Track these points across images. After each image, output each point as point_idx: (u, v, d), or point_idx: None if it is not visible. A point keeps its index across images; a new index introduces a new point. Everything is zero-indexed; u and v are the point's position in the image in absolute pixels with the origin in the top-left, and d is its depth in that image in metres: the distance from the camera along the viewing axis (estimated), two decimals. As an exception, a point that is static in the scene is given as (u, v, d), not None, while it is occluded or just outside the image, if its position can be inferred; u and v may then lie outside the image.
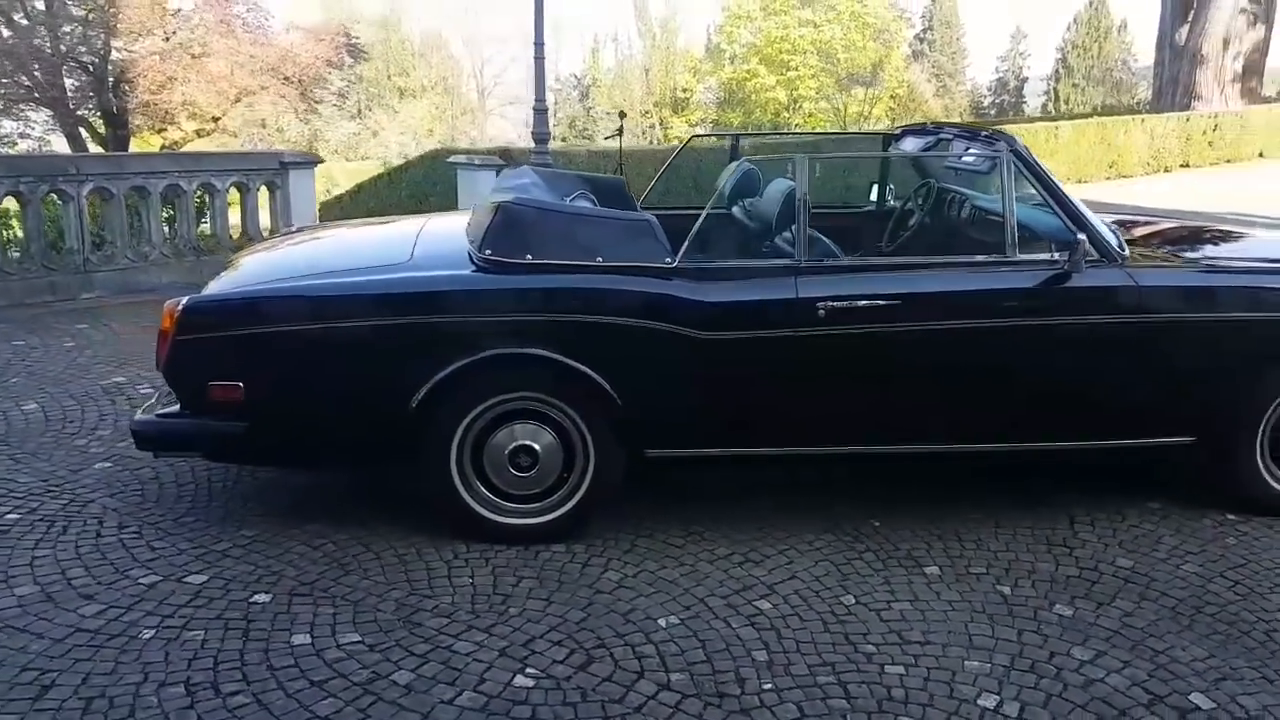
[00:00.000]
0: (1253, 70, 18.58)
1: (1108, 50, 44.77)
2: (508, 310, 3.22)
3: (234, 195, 7.89)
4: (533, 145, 9.83)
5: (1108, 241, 3.41)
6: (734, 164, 4.29)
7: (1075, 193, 3.67)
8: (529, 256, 3.25)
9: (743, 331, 3.25)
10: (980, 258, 3.41)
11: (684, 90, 38.24)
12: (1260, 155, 17.14)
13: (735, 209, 4.18)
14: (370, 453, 3.35)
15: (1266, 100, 19.94)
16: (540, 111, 9.61)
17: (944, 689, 2.62)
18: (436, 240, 3.70)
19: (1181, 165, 16.66)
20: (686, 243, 3.30)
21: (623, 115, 11.09)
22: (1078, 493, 3.82)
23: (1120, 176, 16.46)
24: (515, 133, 48.98)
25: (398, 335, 3.18)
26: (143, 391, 4.92)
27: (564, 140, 43.31)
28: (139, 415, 3.37)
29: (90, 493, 3.72)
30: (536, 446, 3.30)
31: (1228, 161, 15.84)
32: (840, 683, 2.63)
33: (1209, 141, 16.00)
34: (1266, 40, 18.68)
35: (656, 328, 3.22)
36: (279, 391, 3.24)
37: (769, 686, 2.60)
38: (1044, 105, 47.70)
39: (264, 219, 8.06)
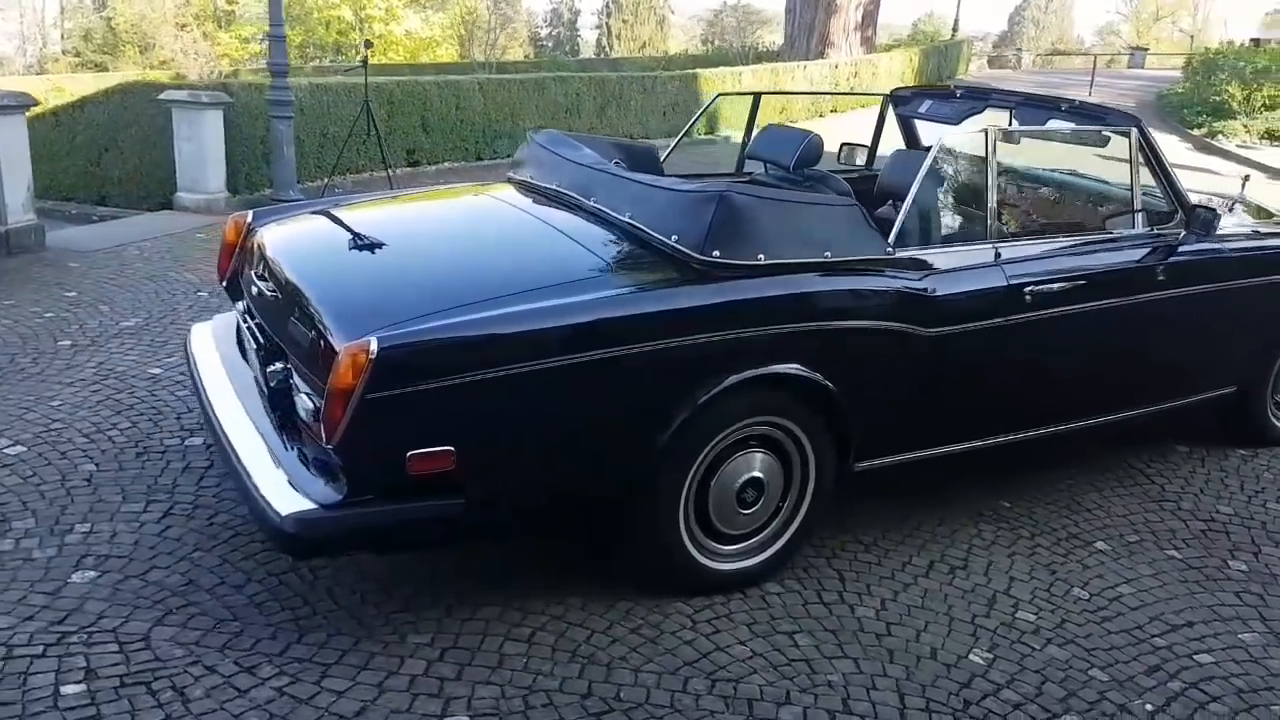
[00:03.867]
0: (869, 20, 21.00)
1: (653, -13, 48.10)
2: (758, 323, 2.73)
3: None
4: (270, 79, 8.33)
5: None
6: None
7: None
8: (761, 257, 2.79)
9: (965, 324, 3.10)
10: (1126, 232, 3.56)
11: (229, 2, 34.37)
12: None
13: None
14: (609, 510, 2.72)
15: (884, 49, 22.67)
16: (278, 39, 8.16)
17: (1259, 668, 2.79)
18: (593, 237, 3.01)
19: (831, 110, 18.17)
20: (896, 229, 3.04)
21: (369, 45, 9.86)
22: (1101, 446, 4.09)
23: (789, 121, 17.55)
24: (11, 45, 40.64)
25: (643, 366, 2.58)
26: (10, 452, 3.55)
27: (77, 56, 36.94)
28: (291, 511, 2.37)
29: (127, 623, 2.61)
30: (763, 477, 2.91)
31: (862, 106, 17.55)
32: (1189, 683, 2.70)
33: (850, 87, 17.69)
34: None
35: (889, 327, 2.95)
36: (501, 453, 2.49)
37: (1150, 706, 2.59)
38: (598, 40, 50.18)
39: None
